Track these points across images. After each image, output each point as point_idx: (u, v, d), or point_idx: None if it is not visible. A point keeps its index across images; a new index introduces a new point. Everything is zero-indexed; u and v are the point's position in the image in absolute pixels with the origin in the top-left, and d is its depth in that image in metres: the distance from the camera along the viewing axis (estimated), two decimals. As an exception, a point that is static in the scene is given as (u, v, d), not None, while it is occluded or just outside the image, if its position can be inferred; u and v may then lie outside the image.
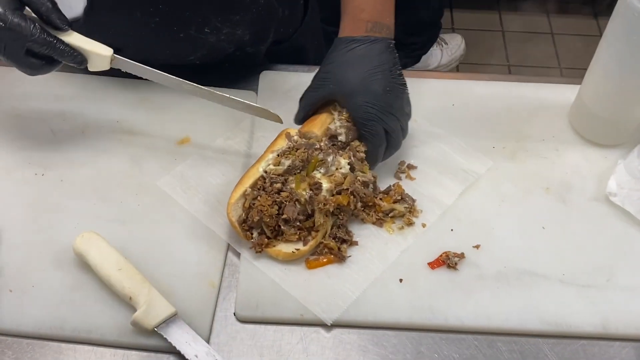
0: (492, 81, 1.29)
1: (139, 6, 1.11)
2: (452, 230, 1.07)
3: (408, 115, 1.10)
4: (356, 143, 1.08)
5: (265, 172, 1.03)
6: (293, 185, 1.01)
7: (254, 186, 1.02)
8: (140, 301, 0.94)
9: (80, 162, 1.12)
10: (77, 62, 1.00)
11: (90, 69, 1.02)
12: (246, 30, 1.19)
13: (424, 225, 1.07)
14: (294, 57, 1.34)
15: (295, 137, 1.07)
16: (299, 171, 1.03)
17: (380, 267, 1.02)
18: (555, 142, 1.19)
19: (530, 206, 1.11)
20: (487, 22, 3.09)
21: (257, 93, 1.25)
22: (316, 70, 1.28)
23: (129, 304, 0.95)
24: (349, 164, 1.06)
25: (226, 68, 1.24)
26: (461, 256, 1.03)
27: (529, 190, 1.13)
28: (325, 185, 1.03)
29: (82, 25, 1.08)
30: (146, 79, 1.08)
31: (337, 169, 1.05)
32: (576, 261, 1.04)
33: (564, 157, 1.18)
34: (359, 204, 1.05)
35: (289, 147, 1.05)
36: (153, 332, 0.93)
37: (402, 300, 0.99)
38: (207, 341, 0.95)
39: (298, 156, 1.04)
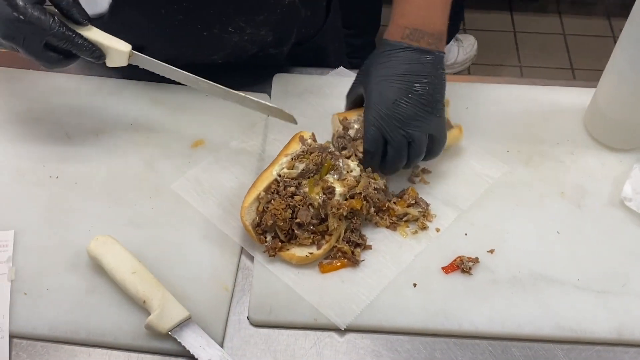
0: (505, 84, 1.27)
1: (163, 3, 1.11)
2: (466, 234, 1.06)
3: (425, 135, 1.03)
4: (358, 141, 1.07)
5: (279, 175, 1.02)
6: (306, 189, 1.01)
7: (267, 190, 1.01)
8: (154, 305, 0.93)
9: (95, 165, 1.12)
10: (95, 57, 0.99)
11: (109, 64, 1.02)
12: (269, 31, 1.19)
13: (438, 230, 1.07)
14: (315, 59, 1.33)
15: (309, 141, 1.06)
16: (312, 175, 1.03)
17: (394, 271, 1.01)
18: (570, 146, 1.18)
19: (545, 211, 1.10)
20: (498, 22, 3.07)
21: (270, 95, 1.24)
22: (329, 73, 1.29)
23: (143, 308, 0.95)
24: (358, 165, 1.05)
25: (240, 70, 1.23)
26: (475, 261, 1.02)
27: (543, 195, 1.12)
28: (339, 189, 1.02)
29: (107, 22, 1.09)
30: (161, 81, 1.08)
31: (347, 172, 1.05)
32: (591, 266, 1.03)
33: (579, 161, 1.16)
34: (372, 209, 1.05)
35: (302, 151, 1.05)
36: (167, 336, 0.92)
37: (416, 305, 0.98)
38: (221, 345, 0.95)
39: (312, 160, 1.03)
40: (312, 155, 1.04)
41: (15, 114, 1.18)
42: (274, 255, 1.01)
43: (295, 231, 1.01)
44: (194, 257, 1.02)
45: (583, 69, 2.89)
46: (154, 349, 0.94)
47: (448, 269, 1.02)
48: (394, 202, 1.07)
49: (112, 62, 1.01)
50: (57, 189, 1.09)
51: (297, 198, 1.00)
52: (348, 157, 1.07)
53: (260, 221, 1.00)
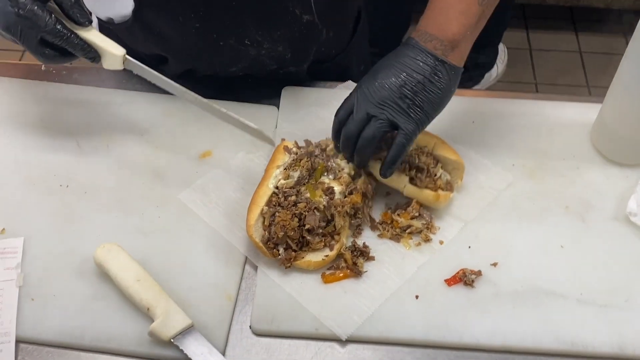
0: (512, 99, 1.28)
1: (181, 10, 1.13)
2: (469, 247, 1.06)
3: (386, 123, 1.02)
4: None
5: (277, 187, 1.04)
6: (308, 195, 1.02)
7: (269, 204, 1.02)
8: (158, 312, 0.94)
9: (104, 175, 1.14)
10: (90, 57, 1.01)
11: (105, 66, 1.04)
12: (287, 47, 1.21)
13: (441, 242, 1.07)
14: (338, 78, 1.33)
15: (294, 149, 1.08)
16: (307, 180, 1.04)
17: (396, 282, 1.02)
18: (575, 160, 1.18)
19: (549, 224, 1.10)
20: (515, 40, 3.07)
21: (278, 108, 1.25)
22: (337, 86, 1.30)
23: (146, 315, 0.96)
24: (347, 162, 1.08)
25: (249, 82, 1.25)
26: (478, 274, 1.02)
27: (548, 209, 1.12)
28: (337, 188, 1.04)
29: (131, 26, 1.13)
30: (172, 93, 1.10)
31: (339, 171, 1.07)
32: (594, 281, 1.03)
33: (585, 175, 1.16)
34: (371, 203, 1.07)
35: (293, 160, 1.06)
36: (169, 343, 0.93)
37: (418, 316, 0.98)
38: (223, 354, 0.95)
39: (303, 166, 1.05)
40: (302, 161, 1.05)
41: (27, 124, 1.21)
42: (290, 266, 1.01)
43: (307, 237, 1.02)
44: (198, 266, 1.03)
45: (600, 86, 2.88)
46: (157, 356, 0.95)
47: (451, 282, 1.02)
48: (398, 214, 1.08)
49: (108, 64, 1.03)
50: (66, 197, 1.11)
51: (301, 205, 1.01)
52: (337, 156, 1.09)
53: (270, 235, 1.01)
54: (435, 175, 1.09)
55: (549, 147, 1.20)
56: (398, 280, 1.02)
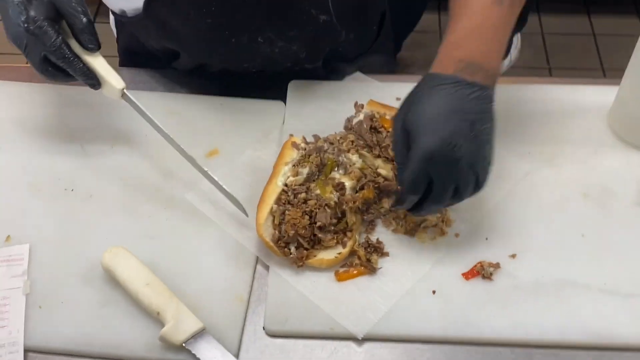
0: (527, 84, 1.25)
1: (192, 5, 1.11)
2: (486, 239, 1.04)
3: (474, 174, 0.93)
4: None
5: (286, 185, 1.01)
6: (318, 192, 1.00)
7: (278, 202, 1.00)
8: (168, 316, 0.93)
9: (110, 178, 1.12)
10: (90, 84, 1.01)
11: (104, 93, 1.04)
12: (302, 47, 1.18)
13: (457, 235, 1.04)
14: None
15: (303, 145, 1.06)
16: (317, 177, 1.02)
17: (412, 278, 0.99)
18: (594, 145, 1.15)
19: (568, 213, 1.07)
20: (527, 24, 3.03)
21: (285, 102, 1.23)
22: (345, 78, 1.27)
23: (157, 319, 0.94)
24: (359, 157, 1.05)
25: (262, 78, 1.23)
26: (496, 266, 1.00)
27: (567, 197, 1.09)
28: (348, 184, 1.02)
29: (143, 19, 1.13)
30: (176, 92, 1.08)
31: (350, 165, 1.04)
32: (618, 269, 1.00)
33: (604, 161, 1.13)
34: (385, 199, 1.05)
35: (302, 156, 1.04)
36: (181, 348, 0.92)
37: (436, 312, 0.96)
38: (236, 356, 0.93)
39: (312, 162, 1.03)
40: (311, 157, 1.03)
41: (32, 128, 1.19)
42: (302, 265, 0.99)
43: (318, 235, 1.00)
44: (208, 267, 1.01)
45: (614, 68, 2.84)
46: (169, 361, 0.93)
47: (468, 275, 1.00)
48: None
49: (107, 92, 1.04)
50: (72, 202, 1.09)
51: (311, 202, 0.99)
52: (348, 150, 1.06)
53: (280, 234, 0.99)
54: None
55: (565, 133, 1.17)
56: (414, 275, 1.00)
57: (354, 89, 1.24)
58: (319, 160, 1.03)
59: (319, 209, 0.99)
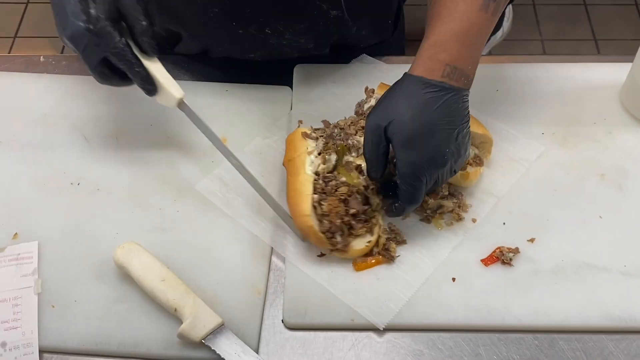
0: (536, 63, 1.24)
1: None
2: (504, 223, 1.03)
3: (451, 173, 0.97)
4: None
5: (317, 174, 0.99)
6: (344, 179, 0.98)
7: (315, 192, 0.98)
8: (186, 313, 0.91)
9: (116, 169, 1.10)
10: (147, 89, 0.98)
11: (158, 101, 1.01)
12: (310, 40, 1.16)
13: (474, 220, 1.03)
14: None
15: (314, 134, 1.04)
16: (338, 163, 1.01)
17: (431, 266, 0.99)
18: (607, 124, 1.14)
19: (585, 194, 1.06)
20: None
21: (292, 87, 1.21)
22: (351, 61, 1.25)
23: (174, 316, 0.93)
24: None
25: (266, 66, 1.21)
26: (515, 251, 0.99)
27: (583, 178, 1.08)
28: (363, 165, 1.00)
29: (147, 2, 1.07)
30: (179, 79, 1.05)
31: (360, 147, 1.02)
32: (637, 251, 1.00)
33: (618, 140, 1.12)
34: None
35: (324, 143, 1.02)
36: (200, 344, 0.90)
37: (456, 300, 0.95)
38: (256, 351, 0.92)
39: (331, 149, 1.01)
40: (328, 144, 1.02)
41: (30, 121, 1.16)
42: (346, 252, 0.98)
43: (352, 222, 0.98)
44: (223, 260, 1.00)
45: (607, 39, 2.83)
46: (188, 358, 0.92)
47: (487, 261, 0.99)
48: (427, 195, 1.03)
49: (162, 100, 1.00)
50: (78, 196, 1.07)
51: (342, 189, 0.97)
52: (355, 133, 1.04)
53: (327, 224, 0.96)
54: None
55: (578, 112, 1.16)
56: (432, 263, 0.99)
57: (361, 72, 1.22)
58: (336, 146, 1.01)
59: (350, 195, 0.97)
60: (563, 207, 1.05)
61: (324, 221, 0.96)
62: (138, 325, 0.94)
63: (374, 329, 0.94)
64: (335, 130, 1.06)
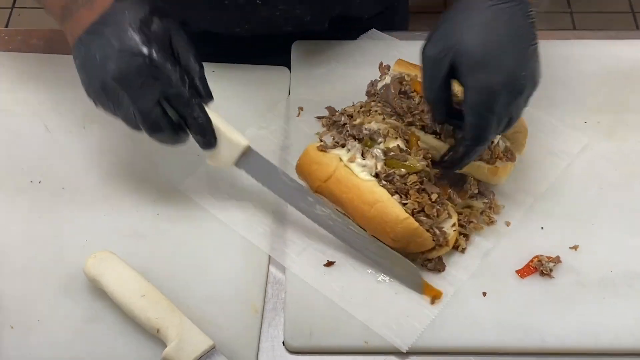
0: (577, 39, 1.26)
1: None
2: (542, 228, 1.04)
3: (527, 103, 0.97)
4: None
5: (376, 175, 1.00)
6: (403, 170, 0.99)
7: (394, 193, 0.99)
8: (171, 334, 0.91)
9: (84, 165, 1.10)
10: (207, 139, 0.95)
11: (210, 162, 0.99)
12: (307, 10, 1.17)
13: (508, 224, 1.04)
14: None
15: (330, 142, 1.05)
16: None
17: (459, 278, 0.99)
18: (660, 112, 1.16)
19: (635, 194, 1.08)
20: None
21: (289, 67, 1.22)
22: (359, 37, 1.25)
23: (157, 338, 0.93)
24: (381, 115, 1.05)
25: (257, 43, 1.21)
26: (556, 260, 1.00)
27: (633, 174, 1.10)
28: (398, 143, 1.02)
29: None
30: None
31: (379, 130, 1.03)
32: (698, 259, 1.01)
33: (672, 131, 1.14)
34: None
35: (363, 145, 1.03)
36: (188, 371, 0.91)
37: (488, 317, 0.96)
38: (254, 379, 0.93)
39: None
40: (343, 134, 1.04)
41: (-20, 105, 1.17)
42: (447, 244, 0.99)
43: (437, 208, 1.00)
44: (213, 272, 1.00)
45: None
46: (174, 388, 0.92)
47: (524, 272, 1.00)
48: (454, 193, 1.04)
49: (216, 158, 0.98)
50: (40, 196, 1.07)
51: (411, 179, 0.99)
52: (363, 123, 1.05)
53: (427, 219, 0.98)
54: (492, 143, 1.05)
55: (626, 98, 1.18)
56: (460, 275, 1.00)
57: (369, 49, 1.23)
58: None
59: (421, 182, 0.99)
60: (610, 209, 1.06)
61: (422, 218, 0.97)
62: (113, 349, 0.94)
63: (394, 352, 0.94)
64: (343, 118, 1.06)
